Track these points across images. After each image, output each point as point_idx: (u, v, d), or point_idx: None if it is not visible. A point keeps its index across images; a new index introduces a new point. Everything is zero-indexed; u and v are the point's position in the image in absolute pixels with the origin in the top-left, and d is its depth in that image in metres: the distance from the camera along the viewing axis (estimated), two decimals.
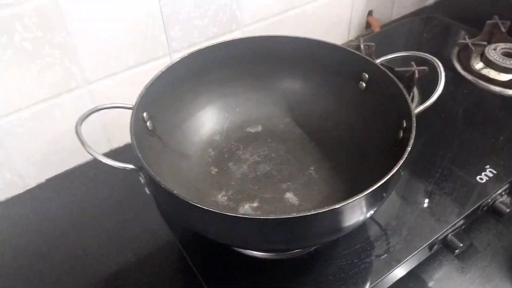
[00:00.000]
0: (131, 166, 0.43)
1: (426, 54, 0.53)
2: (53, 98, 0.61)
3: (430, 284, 0.55)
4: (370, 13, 0.94)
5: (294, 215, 0.36)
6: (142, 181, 0.44)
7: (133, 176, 0.46)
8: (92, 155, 0.42)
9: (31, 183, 0.66)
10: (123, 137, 0.71)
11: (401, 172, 0.43)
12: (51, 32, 0.56)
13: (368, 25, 0.96)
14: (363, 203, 0.41)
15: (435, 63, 0.52)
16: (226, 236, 0.43)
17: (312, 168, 0.59)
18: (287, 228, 0.38)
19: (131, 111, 0.48)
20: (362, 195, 0.38)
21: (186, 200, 0.37)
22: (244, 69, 0.63)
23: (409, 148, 0.42)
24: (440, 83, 0.49)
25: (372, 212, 0.44)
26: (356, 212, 0.41)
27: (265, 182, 0.57)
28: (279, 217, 0.36)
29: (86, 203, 0.62)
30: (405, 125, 0.49)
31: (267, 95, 0.65)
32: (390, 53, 0.59)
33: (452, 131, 0.69)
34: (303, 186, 0.57)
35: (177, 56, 0.65)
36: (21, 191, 0.65)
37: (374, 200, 0.42)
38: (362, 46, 0.75)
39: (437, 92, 0.49)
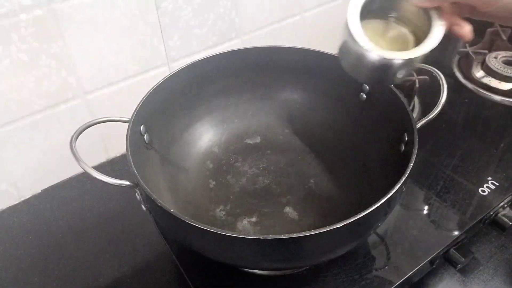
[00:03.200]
0: (127, 183, 0.42)
1: (428, 66, 0.52)
2: (50, 109, 0.60)
3: None
4: None
5: (294, 235, 0.35)
6: (138, 197, 0.44)
7: (133, 189, 0.45)
8: (86, 171, 0.41)
9: (27, 193, 0.65)
10: (121, 147, 0.70)
11: (403, 188, 0.43)
12: (48, 42, 0.55)
13: None
14: (365, 221, 0.40)
15: (437, 75, 0.51)
16: (223, 254, 0.42)
17: (312, 181, 0.58)
18: (285, 248, 0.37)
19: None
20: (364, 213, 0.37)
21: (182, 219, 0.36)
22: (243, 79, 0.62)
23: (411, 164, 0.41)
24: (442, 97, 0.49)
25: (375, 228, 0.43)
26: (358, 230, 0.41)
27: (264, 196, 0.56)
28: (277, 238, 0.35)
29: (83, 214, 0.62)
30: (406, 138, 0.49)
31: (266, 105, 0.64)
32: None
33: (453, 141, 0.68)
34: (303, 199, 0.56)
35: (175, 66, 0.65)
36: (17, 202, 0.64)
37: (377, 217, 0.42)
38: None
39: (439, 105, 0.48)
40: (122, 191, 0.62)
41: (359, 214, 0.37)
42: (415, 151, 0.43)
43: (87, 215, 0.61)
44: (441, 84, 0.50)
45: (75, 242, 0.58)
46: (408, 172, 0.41)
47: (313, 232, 0.36)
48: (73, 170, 0.67)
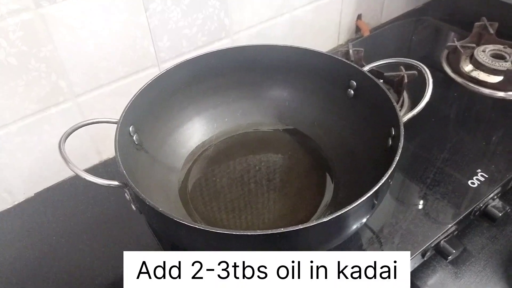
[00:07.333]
0: (116, 183, 0.43)
1: (414, 61, 0.53)
2: (41, 112, 0.60)
3: None
4: (359, 17, 0.94)
5: (282, 230, 0.36)
6: (128, 197, 0.44)
7: (123, 189, 0.45)
8: (75, 173, 0.42)
9: (20, 197, 0.65)
10: (113, 149, 0.70)
11: (390, 182, 0.43)
12: (37, 46, 0.55)
13: (357, 29, 0.96)
14: (353, 214, 0.40)
15: (423, 70, 0.51)
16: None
17: (303, 177, 0.58)
18: (275, 243, 0.38)
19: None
20: (351, 207, 0.38)
21: (171, 217, 0.37)
22: (233, 78, 0.62)
23: (397, 158, 0.42)
24: (427, 91, 0.49)
25: (363, 221, 0.44)
26: (346, 223, 0.41)
27: (255, 193, 0.57)
28: (266, 233, 0.36)
29: (76, 217, 0.62)
30: (393, 133, 0.49)
31: (256, 104, 0.64)
32: (380, 57, 0.59)
33: (443, 134, 0.69)
34: (294, 195, 0.56)
35: (166, 66, 0.65)
36: (10, 206, 0.64)
37: (365, 210, 0.42)
38: (351, 52, 0.75)
39: (425, 99, 0.49)
40: (115, 193, 0.63)
41: (346, 208, 0.38)
42: (401, 145, 0.43)
43: (81, 218, 0.61)
44: (427, 78, 0.51)
45: (69, 245, 0.58)
46: (393, 166, 0.41)
47: (300, 226, 0.36)
48: (66, 173, 0.67)
